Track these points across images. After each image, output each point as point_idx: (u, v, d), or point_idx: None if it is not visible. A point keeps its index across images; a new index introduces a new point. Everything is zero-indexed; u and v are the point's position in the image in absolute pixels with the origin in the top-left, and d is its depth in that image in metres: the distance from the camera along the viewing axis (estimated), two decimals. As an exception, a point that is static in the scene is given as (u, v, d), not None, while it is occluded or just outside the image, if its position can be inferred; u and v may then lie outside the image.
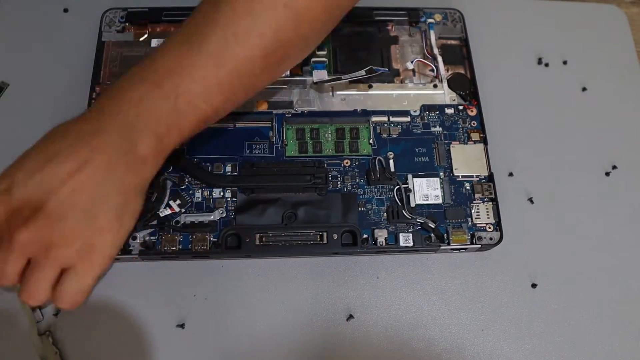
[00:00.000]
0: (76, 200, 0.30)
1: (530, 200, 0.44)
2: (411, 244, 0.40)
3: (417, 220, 0.41)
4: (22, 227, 0.30)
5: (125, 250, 0.38)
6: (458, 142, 0.44)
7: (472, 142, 0.44)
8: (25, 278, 0.31)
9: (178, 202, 0.40)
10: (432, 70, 0.46)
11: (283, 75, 0.45)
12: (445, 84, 0.46)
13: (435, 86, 0.46)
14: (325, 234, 0.40)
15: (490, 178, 0.43)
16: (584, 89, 0.49)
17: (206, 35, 0.32)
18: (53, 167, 0.30)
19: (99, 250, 0.32)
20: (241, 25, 0.32)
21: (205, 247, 0.39)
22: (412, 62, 0.46)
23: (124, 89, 0.32)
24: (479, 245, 0.41)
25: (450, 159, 0.43)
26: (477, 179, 0.43)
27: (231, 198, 0.41)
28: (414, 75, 0.46)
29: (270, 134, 0.43)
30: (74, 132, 0.31)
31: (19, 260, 0.31)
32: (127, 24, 0.46)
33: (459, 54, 0.47)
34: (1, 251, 0.30)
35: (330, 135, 0.43)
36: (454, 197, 0.42)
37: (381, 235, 0.40)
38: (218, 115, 0.35)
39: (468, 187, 0.42)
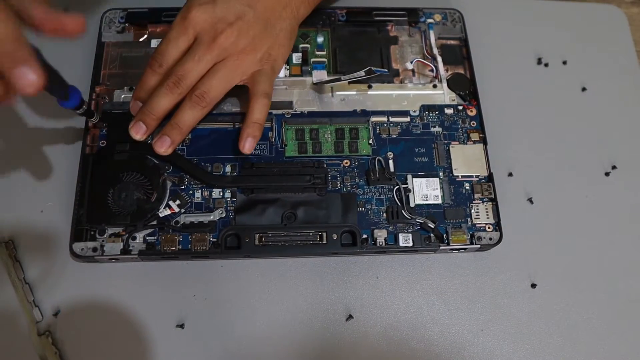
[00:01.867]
0: (267, 15, 0.40)
1: (530, 200, 0.44)
2: (411, 244, 0.40)
3: (417, 220, 0.41)
4: (226, 29, 0.38)
5: (125, 250, 0.39)
6: (457, 142, 0.44)
7: (472, 142, 0.44)
8: (209, 75, 0.39)
9: (178, 202, 0.40)
10: (432, 71, 0.46)
11: (282, 75, 0.45)
12: (444, 84, 0.46)
13: (434, 86, 0.46)
14: (324, 234, 0.40)
15: (489, 178, 0.43)
16: (583, 89, 0.49)
17: None
18: None
19: (274, 59, 0.41)
20: None
21: (204, 247, 0.39)
22: (411, 62, 0.46)
23: None
24: (479, 246, 0.41)
25: (450, 159, 0.43)
26: (477, 179, 0.43)
27: (231, 198, 0.41)
28: (414, 75, 0.46)
29: (270, 134, 0.43)
30: None
31: (211, 62, 0.39)
32: (127, 24, 0.46)
33: (458, 54, 0.47)
34: (201, 49, 0.38)
35: (329, 136, 0.43)
36: (453, 197, 0.42)
37: (381, 235, 0.40)
38: None
39: (468, 187, 0.42)
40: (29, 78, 0.29)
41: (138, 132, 0.39)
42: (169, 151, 0.39)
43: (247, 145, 0.40)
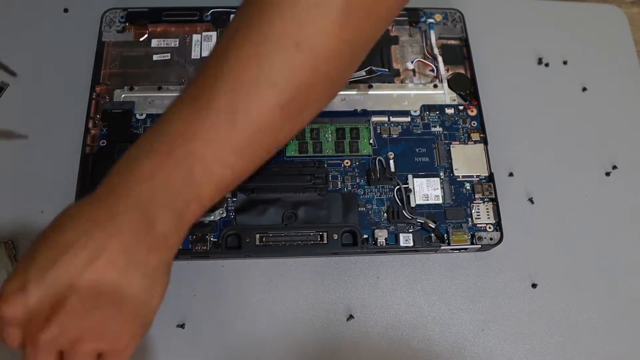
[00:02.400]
0: (98, 291, 0.28)
1: (531, 200, 0.44)
2: (411, 244, 0.40)
3: (418, 220, 0.41)
4: (44, 328, 0.27)
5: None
6: (458, 142, 0.44)
7: (472, 142, 0.44)
8: None
9: (178, 202, 0.40)
10: (432, 70, 0.46)
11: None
12: (445, 84, 0.46)
13: (435, 86, 0.46)
14: (325, 234, 0.40)
15: (490, 178, 0.43)
16: (584, 89, 0.49)
17: (214, 90, 0.29)
18: (68, 259, 0.27)
19: (130, 337, 0.30)
20: (249, 74, 0.28)
21: (205, 247, 0.39)
22: (412, 62, 0.46)
23: (134, 162, 0.29)
24: (479, 246, 0.41)
25: (451, 159, 0.43)
26: (478, 179, 0.43)
27: (231, 198, 0.41)
28: (414, 75, 0.46)
29: (271, 134, 0.43)
30: (86, 218, 0.29)
31: (49, 357, 0.28)
32: (127, 24, 0.46)
33: (459, 54, 0.47)
34: (30, 352, 0.28)
35: (330, 136, 0.43)
36: (454, 197, 0.42)
37: (381, 235, 0.40)
38: (240, 179, 0.31)
39: (468, 187, 0.42)
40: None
41: None
42: None
43: None
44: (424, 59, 0.46)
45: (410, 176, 0.42)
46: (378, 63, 0.46)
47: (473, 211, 0.42)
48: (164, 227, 0.29)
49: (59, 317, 0.27)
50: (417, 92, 0.46)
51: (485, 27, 0.50)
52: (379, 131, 0.44)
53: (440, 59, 0.46)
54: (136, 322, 0.30)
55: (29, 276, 0.27)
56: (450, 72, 0.46)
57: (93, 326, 0.28)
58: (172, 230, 0.29)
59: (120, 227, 0.28)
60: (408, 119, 0.44)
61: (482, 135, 0.44)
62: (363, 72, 0.43)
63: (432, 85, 0.46)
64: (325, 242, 0.40)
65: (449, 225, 0.41)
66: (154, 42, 0.46)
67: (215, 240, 0.39)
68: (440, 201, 0.42)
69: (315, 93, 0.31)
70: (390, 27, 0.48)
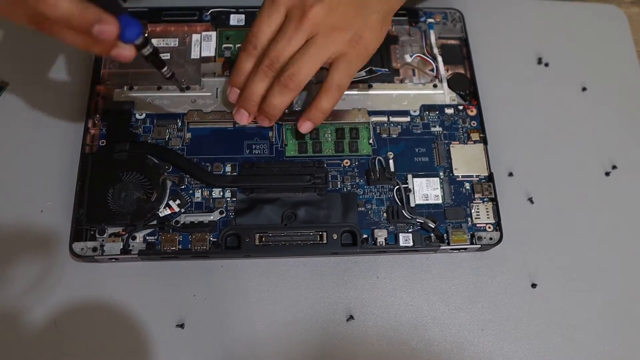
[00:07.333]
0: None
1: (530, 200, 0.44)
2: (411, 244, 0.40)
3: (417, 220, 0.41)
4: (316, 4, 0.37)
5: (125, 250, 0.38)
6: (458, 142, 0.44)
7: (472, 142, 0.44)
8: (298, 55, 0.37)
9: (178, 202, 0.40)
10: (432, 70, 0.46)
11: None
12: (445, 84, 0.46)
13: (435, 86, 0.46)
14: (325, 234, 0.40)
15: (490, 178, 0.43)
16: (584, 89, 0.49)
17: None
18: None
19: (365, 44, 0.39)
20: None
21: (205, 247, 0.39)
22: (411, 56, 0.46)
23: None
24: (479, 245, 0.41)
25: (450, 159, 0.43)
26: (477, 178, 0.43)
27: (231, 198, 0.41)
28: (414, 74, 0.46)
29: (270, 134, 0.43)
30: None
31: (302, 39, 0.37)
32: (126, 23, 0.46)
33: (459, 53, 0.47)
34: (291, 26, 0.37)
35: (330, 135, 0.43)
36: (453, 197, 0.42)
37: (381, 235, 0.40)
38: None
39: (468, 187, 0.42)
40: (107, 30, 0.32)
41: (242, 119, 0.40)
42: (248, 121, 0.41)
43: (304, 127, 0.40)
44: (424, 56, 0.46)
45: (409, 176, 0.42)
46: (378, 63, 0.46)
47: (473, 211, 0.42)
48: None
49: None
50: (416, 92, 0.46)
51: (485, 27, 0.50)
52: (378, 131, 0.44)
53: (440, 58, 0.46)
54: (373, 33, 0.39)
55: None
56: (450, 72, 0.47)
57: (347, 18, 0.38)
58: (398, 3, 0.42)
59: None
60: (408, 118, 0.44)
61: (481, 135, 0.44)
62: (363, 73, 0.43)
63: (431, 85, 0.46)
64: (324, 242, 0.40)
65: (449, 225, 0.41)
66: (154, 42, 0.45)
67: (215, 240, 0.39)
68: (439, 201, 0.42)
69: None
70: (390, 27, 0.48)
